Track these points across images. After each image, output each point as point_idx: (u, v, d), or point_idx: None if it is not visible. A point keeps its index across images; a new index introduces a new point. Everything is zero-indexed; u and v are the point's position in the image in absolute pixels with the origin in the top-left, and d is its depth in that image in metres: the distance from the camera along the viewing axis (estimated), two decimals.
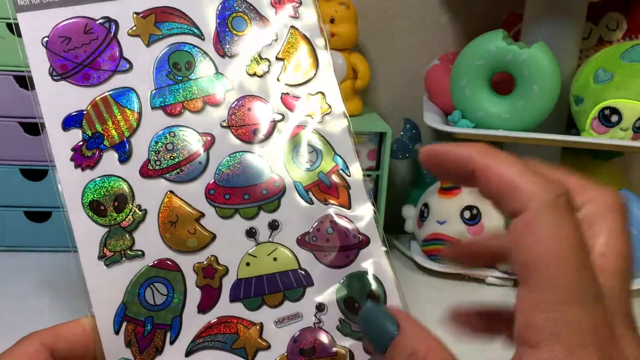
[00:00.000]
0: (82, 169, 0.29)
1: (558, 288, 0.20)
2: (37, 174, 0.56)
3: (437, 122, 0.57)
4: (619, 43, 0.59)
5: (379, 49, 0.72)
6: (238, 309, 0.30)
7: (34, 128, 0.55)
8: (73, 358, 0.27)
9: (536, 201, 0.21)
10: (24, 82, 0.53)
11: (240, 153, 0.31)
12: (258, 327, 0.30)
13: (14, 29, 0.50)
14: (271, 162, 0.31)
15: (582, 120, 0.54)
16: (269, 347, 0.30)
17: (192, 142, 0.30)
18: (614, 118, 0.52)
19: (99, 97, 0.30)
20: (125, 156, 0.30)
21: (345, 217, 0.31)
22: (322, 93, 0.33)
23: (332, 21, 0.60)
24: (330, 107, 0.32)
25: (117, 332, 0.28)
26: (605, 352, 0.20)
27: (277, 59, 0.32)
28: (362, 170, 0.32)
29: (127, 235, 0.29)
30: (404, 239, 0.65)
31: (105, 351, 0.28)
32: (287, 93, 0.32)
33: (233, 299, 0.30)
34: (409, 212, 0.63)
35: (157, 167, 0.30)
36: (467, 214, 0.56)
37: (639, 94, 0.51)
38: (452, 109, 0.57)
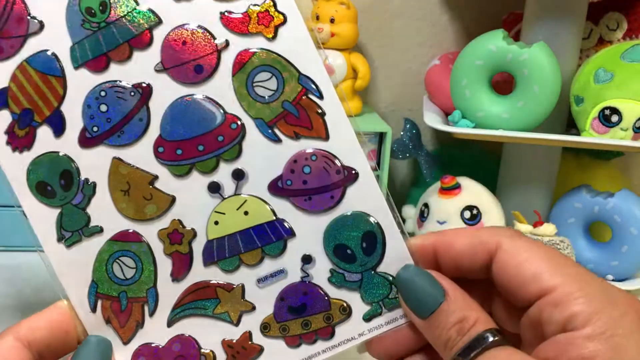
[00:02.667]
0: (20, 152, 0.27)
1: (575, 280, 0.22)
2: None
3: (437, 122, 0.57)
4: (619, 43, 0.59)
5: (379, 49, 0.72)
6: (214, 273, 0.28)
7: None
8: (55, 345, 0.26)
9: (505, 239, 0.24)
10: None
11: (184, 98, 0.27)
12: (239, 289, 0.28)
13: None
14: (222, 101, 0.27)
15: (582, 120, 0.54)
16: (253, 308, 0.28)
17: (127, 98, 0.27)
18: (614, 118, 0.52)
19: (17, 69, 0.26)
20: (59, 129, 0.27)
21: (324, 151, 0.27)
22: (272, 0, 0.27)
23: (332, 21, 0.60)
24: (284, 16, 0.27)
25: (93, 311, 0.27)
26: None
27: None
28: (369, 152, 0.28)
29: (81, 213, 0.27)
30: None
31: (87, 329, 0.27)
32: (228, 11, 0.27)
33: (207, 262, 0.28)
34: (409, 212, 0.63)
35: (95, 134, 0.27)
36: (467, 214, 0.56)
37: (639, 94, 0.51)
38: (452, 109, 0.57)
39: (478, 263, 0.25)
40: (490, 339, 0.23)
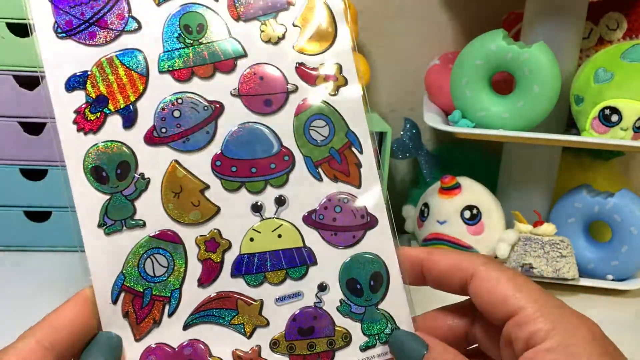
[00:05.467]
0: (85, 133, 0.28)
1: (535, 303, 0.26)
2: (37, 174, 0.56)
3: (438, 122, 0.57)
4: (619, 43, 0.59)
5: (379, 49, 0.72)
6: (239, 285, 0.29)
7: (34, 128, 0.55)
8: (76, 342, 0.26)
9: (479, 267, 0.28)
10: (24, 82, 0.53)
11: (250, 124, 0.30)
12: (258, 304, 0.29)
13: (14, 29, 0.50)
14: (281, 134, 0.30)
15: (583, 120, 0.54)
16: (267, 324, 0.29)
17: (200, 110, 0.29)
18: (614, 118, 0.52)
19: (104, 58, 0.28)
20: (129, 121, 0.28)
21: (355, 196, 0.31)
22: (339, 64, 0.31)
23: None
24: (346, 79, 0.31)
25: (114, 302, 0.28)
26: (596, 333, 0.25)
27: (294, 25, 0.31)
28: (376, 148, 0.31)
29: (128, 204, 0.28)
30: (404, 239, 0.65)
31: (101, 320, 0.27)
32: (302, 63, 0.30)
33: (234, 274, 0.29)
34: (409, 212, 0.63)
35: (162, 135, 0.29)
36: (467, 214, 0.56)
37: (639, 94, 0.51)
38: (452, 109, 0.57)
39: (455, 285, 0.29)
40: None
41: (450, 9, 0.72)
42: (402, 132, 0.65)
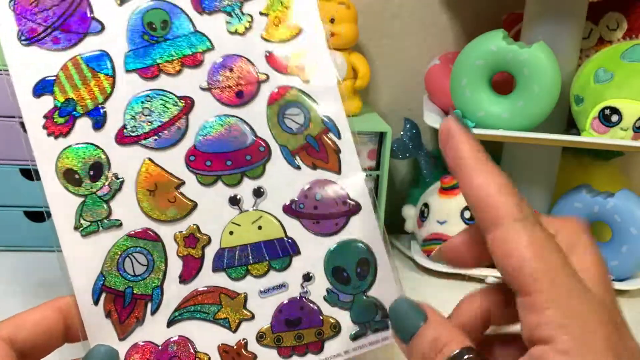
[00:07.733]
0: (55, 137, 0.28)
1: (552, 287, 0.23)
2: (37, 173, 0.56)
3: (437, 122, 0.57)
4: (619, 43, 0.59)
5: (379, 49, 0.72)
6: (221, 279, 0.29)
7: None
8: (40, 343, 0.26)
9: (509, 220, 0.24)
10: None
11: (222, 117, 0.30)
12: (242, 297, 0.29)
13: None
14: (255, 125, 0.30)
15: (582, 120, 0.54)
16: (252, 317, 0.29)
17: (170, 107, 0.29)
18: (614, 118, 0.52)
19: (70, 62, 0.28)
20: (99, 123, 0.28)
21: (335, 183, 0.30)
22: (310, 51, 0.31)
23: (332, 21, 0.60)
24: (318, 65, 0.31)
25: (96, 303, 0.28)
26: (611, 339, 0.22)
27: (261, 14, 0.30)
28: (354, 132, 0.30)
29: (103, 205, 0.28)
30: (404, 239, 0.65)
31: (84, 322, 0.27)
32: (272, 52, 0.30)
33: (216, 268, 0.29)
34: (409, 212, 0.63)
35: (133, 134, 0.29)
36: (467, 214, 0.56)
37: (639, 94, 0.51)
38: (452, 109, 0.57)
39: (479, 223, 0.25)
40: (465, 356, 0.24)
41: (450, 9, 0.72)
42: (402, 132, 0.65)
